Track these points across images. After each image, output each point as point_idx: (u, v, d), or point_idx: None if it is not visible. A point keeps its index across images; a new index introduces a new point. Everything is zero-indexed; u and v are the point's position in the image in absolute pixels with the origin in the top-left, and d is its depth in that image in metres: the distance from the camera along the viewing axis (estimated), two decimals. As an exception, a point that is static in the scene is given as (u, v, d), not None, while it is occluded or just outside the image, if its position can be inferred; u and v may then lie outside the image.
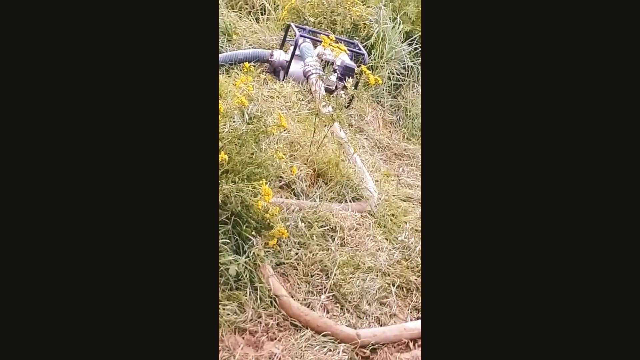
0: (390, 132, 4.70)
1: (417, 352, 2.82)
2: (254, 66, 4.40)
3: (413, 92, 5.01)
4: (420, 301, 3.10)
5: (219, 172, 2.66)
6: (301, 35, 4.51)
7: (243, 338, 2.54)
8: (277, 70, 4.50)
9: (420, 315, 3.03)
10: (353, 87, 3.92)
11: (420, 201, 3.94)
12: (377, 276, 3.13)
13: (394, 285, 3.13)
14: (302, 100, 4.11)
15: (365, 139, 4.45)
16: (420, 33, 5.16)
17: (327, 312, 2.88)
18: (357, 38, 4.91)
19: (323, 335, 2.69)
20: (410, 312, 3.06)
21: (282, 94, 4.23)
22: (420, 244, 3.43)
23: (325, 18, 4.92)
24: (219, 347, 2.41)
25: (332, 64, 4.31)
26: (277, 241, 2.86)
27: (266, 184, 2.74)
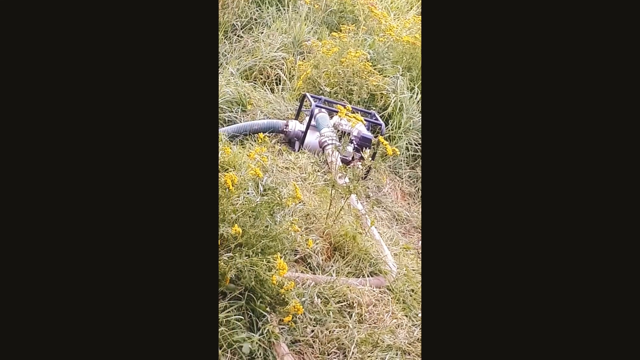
0: (409, 204, 4.69)
1: None
2: (269, 137, 4.41)
3: (431, 163, 5.00)
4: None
5: (233, 245, 2.64)
6: (317, 106, 4.53)
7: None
8: (293, 141, 4.51)
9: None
10: (370, 158, 3.92)
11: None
12: (396, 355, 3.09)
13: (414, 365, 3.07)
14: (318, 171, 4.11)
15: (383, 211, 4.43)
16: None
17: (345, 393, 2.83)
18: (374, 108, 4.93)
19: (340, 419, 2.65)
20: (432, 393, 2.98)
21: (297, 165, 4.23)
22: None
23: (341, 88, 4.95)
24: None
25: (349, 134, 4.31)
26: (292, 317, 2.81)
27: (281, 257, 2.72)
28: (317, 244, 3.45)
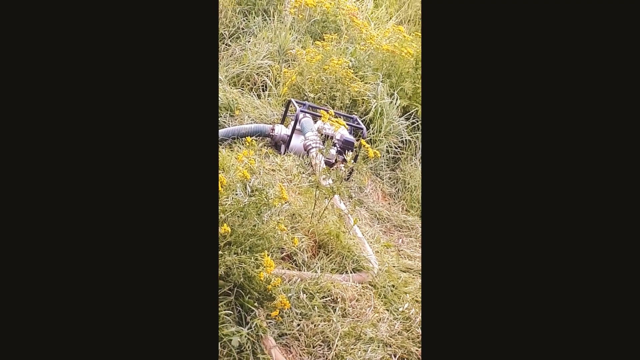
0: (389, 204, 4.70)
1: None
2: (256, 140, 4.42)
3: (411, 165, 5.02)
4: (422, 372, 3.06)
5: (222, 244, 2.64)
6: (301, 111, 4.53)
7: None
8: (279, 144, 4.52)
9: (422, 386, 2.98)
10: (352, 161, 3.92)
11: (420, 272, 3.91)
12: (378, 347, 3.09)
13: (395, 356, 3.09)
14: (303, 173, 4.11)
15: (365, 210, 4.44)
16: (417, 108, 5.20)
17: (330, 383, 2.83)
18: (355, 113, 4.94)
19: (325, 408, 2.65)
20: (412, 383, 3.00)
21: (283, 167, 4.23)
22: (420, 315, 3.39)
23: (324, 94, 4.95)
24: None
25: (332, 138, 4.32)
26: (279, 312, 2.81)
27: (268, 255, 2.72)
28: (302, 242, 3.45)
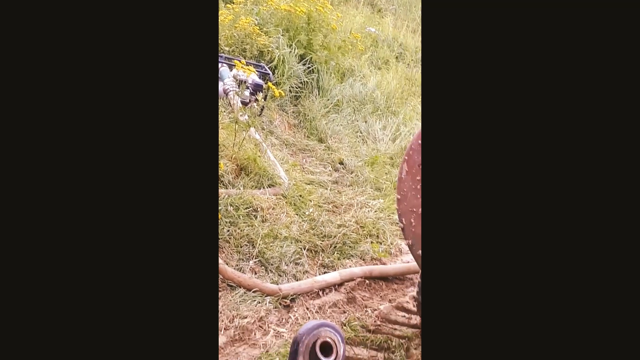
0: (294, 132, 4.71)
1: (325, 298, 2.86)
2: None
3: (309, 101, 5.03)
4: (325, 258, 3.14)
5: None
6: (219, 61, 4.46)
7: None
8: (203, 90, 4.45)
9: (326, 271, 3.06)
10: (263, 100, 3.91)
11: (320, 184, 3.97)
12: (291, 243, 3.15)
13: (305, 249, 3.15)
14: (224, 111, 4.08)
15: (275, 139, 4.44)
16: (311, 55, 5.19)
17: (255, 273, 2.88)
18: (263, 61, 4.89)
19: (253, 292, 2.70)
20: (319, 269, 3.08)
21: (207, 108, 4.18)
22: (322, 215, 3.46)
23: (237, 47, 4.89)
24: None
25: (245, 82, 4.28)
26: (212, 222, 2.83)
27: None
28: (227, 166, 3.46)
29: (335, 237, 3.31)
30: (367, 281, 3.06)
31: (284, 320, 2.64)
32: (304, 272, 3.00)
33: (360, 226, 3.51)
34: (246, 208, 3.23)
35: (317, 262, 3.12)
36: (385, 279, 3.13)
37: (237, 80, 4.32)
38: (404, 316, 2.83)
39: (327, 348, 1.33)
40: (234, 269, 2.81)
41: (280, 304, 2.71)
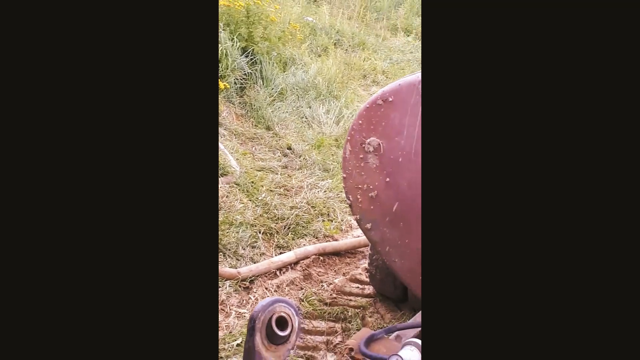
0: (242, 122, 4.76)
1: (283, 277, 2.93)
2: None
3: (254, 91, 5.08)
4: (280, 240, 3.23)
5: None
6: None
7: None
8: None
9: (281, 251, 3.15)
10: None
11: (271, 170, 4.04)
12: (247, 228, 3.20)
13: (260, 233, 3.21)
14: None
15: (225, 130, 4.48)
16: (252, 47, 5.25)
17: (214, 259, 2.94)
18: (206, 56, 4.92)
19: (214, 276, 2.77)
20: (275, 250, 3.15)
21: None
22: (275, 199, 3.54)
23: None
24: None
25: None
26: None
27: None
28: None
29: (288, 218, 3.40)
30: (321, 258, 3.15)
31: (244, 301, 2.70)
32: (260, 255, 3.06)
33: (312, 206, 3.60)
34: (201, 198, 3.27)
35: (273, 243, 3.19)
36: (338, 254, 3.24)
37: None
38: (358, 287, 2.95)
39: (282, 322, 1.41)
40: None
41: (240, 286, 2.77)
